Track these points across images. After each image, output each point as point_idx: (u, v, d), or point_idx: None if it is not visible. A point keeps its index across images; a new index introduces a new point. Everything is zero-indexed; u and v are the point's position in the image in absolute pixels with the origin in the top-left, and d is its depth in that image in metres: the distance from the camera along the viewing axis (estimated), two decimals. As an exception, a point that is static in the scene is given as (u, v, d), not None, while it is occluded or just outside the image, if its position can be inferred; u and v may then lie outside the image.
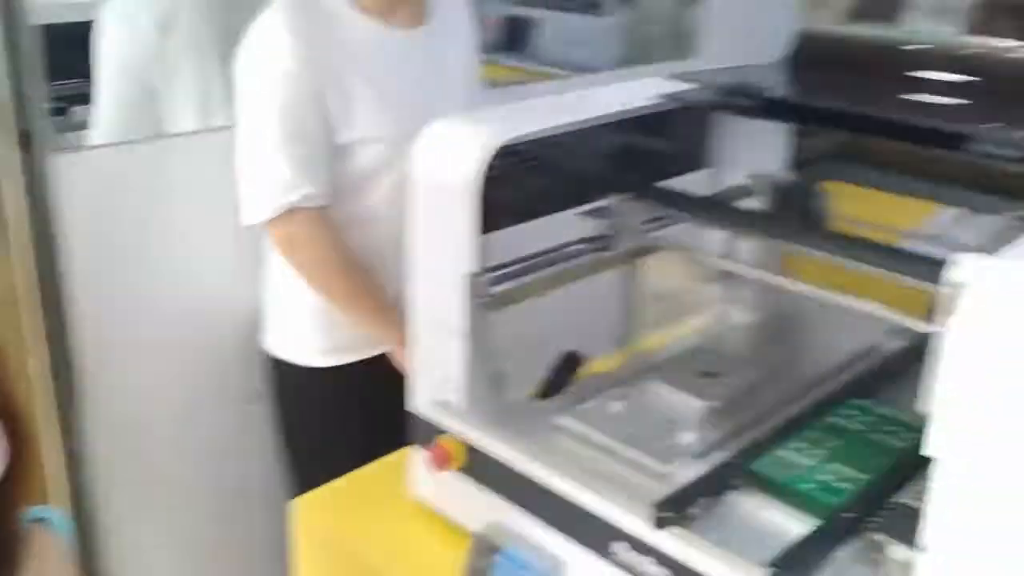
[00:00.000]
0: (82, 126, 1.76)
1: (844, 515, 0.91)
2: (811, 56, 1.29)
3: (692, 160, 1.44)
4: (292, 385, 1.68)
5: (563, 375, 1.36)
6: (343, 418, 1.65)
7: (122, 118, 1.77)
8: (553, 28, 3.04)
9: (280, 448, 1.74)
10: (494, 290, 1.09)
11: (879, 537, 0.89)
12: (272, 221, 1.47)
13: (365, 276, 1.55)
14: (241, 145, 1.48)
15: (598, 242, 1.20)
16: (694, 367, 1.18)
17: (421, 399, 1.17)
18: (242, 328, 1.74)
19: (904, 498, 0.93)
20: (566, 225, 1.23)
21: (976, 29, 1.36)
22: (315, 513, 1.25)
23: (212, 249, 1.71)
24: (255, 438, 1.82)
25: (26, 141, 1.44)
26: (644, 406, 1.12)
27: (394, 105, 1.51)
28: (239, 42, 1.48)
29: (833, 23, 1.31)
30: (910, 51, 1.25)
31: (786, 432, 1.05)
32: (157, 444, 1.73)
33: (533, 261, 1.16)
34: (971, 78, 1.15)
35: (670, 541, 0.92)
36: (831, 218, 1.30)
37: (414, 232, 1.10)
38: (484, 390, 1.13)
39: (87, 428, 1.61)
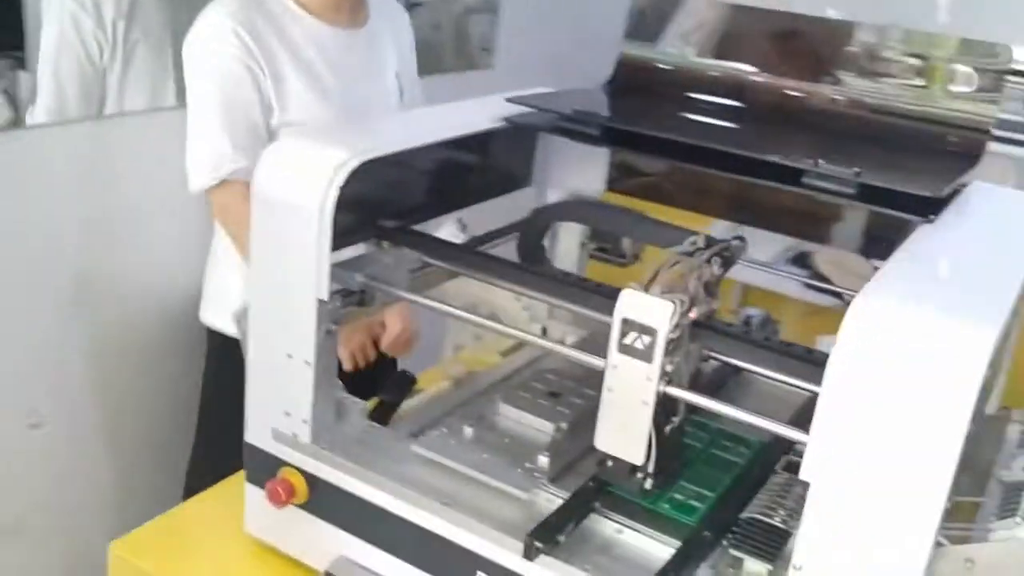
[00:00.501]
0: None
1: (703, 534, 0.95)
2: (633, 81, 1.34)
3: (515, 180, 1.46)
4: (225, 356, 1.66)
5: (396, 395, 1.33)
6: None
7: (67, 96, 1.74)
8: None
9: (203, 425, 1.81)
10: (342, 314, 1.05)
11: (736, 553, 0.94)
12: (211, 190, 1.59)
13: None
14: (189, 121, 1.59)
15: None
16: (536, 388, 1.19)
17: (258, 431, 1.10)
18: (186, 304, 1.84)
19: (753, 512, 0.98)
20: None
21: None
22: (136, 556, 1.14)
23: (162, 225, 1.86)
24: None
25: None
26: (494, 430, 1.11)
27: (327, 94, 1.62)
28: (188, 30, 1.60)
29: (654, 50, 1.36)
30: (721, 78, 1.32)
31: (635, 452, 1.08)
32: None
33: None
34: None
35: (541, 571, 0.92)
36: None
37: (256, 254, 1.04)
38: (328, 420, 1.08)
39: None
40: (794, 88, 1.26)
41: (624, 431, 0.86)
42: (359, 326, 1.63)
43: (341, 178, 0.97)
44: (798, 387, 0.89)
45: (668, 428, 0.91)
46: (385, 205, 1.17)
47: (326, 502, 1.06)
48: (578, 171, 1.45)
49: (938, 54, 1.18)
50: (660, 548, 0.95)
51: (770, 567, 0.92)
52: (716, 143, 1.09)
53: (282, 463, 1.08)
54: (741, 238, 1.05)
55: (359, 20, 1.72)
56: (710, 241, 1.02)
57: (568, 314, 1.45)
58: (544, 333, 1.46)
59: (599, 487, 1.00)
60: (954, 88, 1.17)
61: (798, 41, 1.31)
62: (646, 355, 0.84)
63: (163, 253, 1.91)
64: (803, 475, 0.77)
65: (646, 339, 0.83)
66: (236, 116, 1.57)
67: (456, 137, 1.15)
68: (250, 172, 1.54)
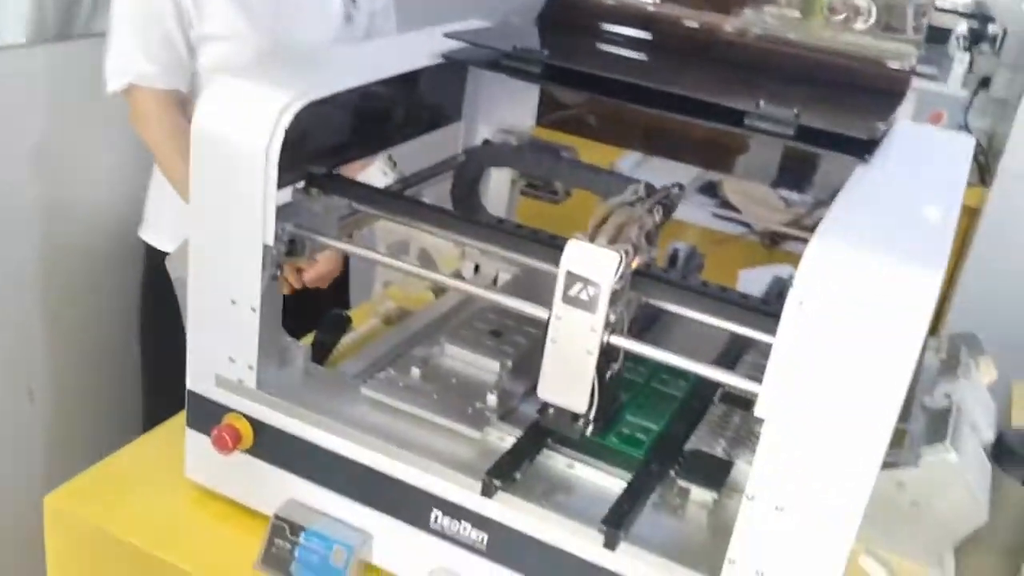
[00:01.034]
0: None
1: (651, 466, 0.98)
2: (567, 16, 1.33)
3: (444, 115, 1.44)
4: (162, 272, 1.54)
5: (332, 335, 1.32)
6: None
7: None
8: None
9: (143, 348, 1.81)
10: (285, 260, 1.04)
11: (683, 483, 0.98)
12: (125, 95, 1.56)
13: None
14: (108, 27, 1.56)
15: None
16: (478, 327, 1.20)
17: (201, 377, 1.08)
18: (125, 224, 1.80)
19: (696, 444, 1.03)
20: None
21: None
22: (74, 506, 1.12)
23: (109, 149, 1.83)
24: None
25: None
26: (440, 371, 1.12)
27: (251, 9, 1.56)
28: None
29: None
30: (655, 15, 1.32)
31: (580, 388, 1.10)
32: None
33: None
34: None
35: (499, 508, 0.94)
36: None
37: (197, 198, 1.01)
38: (273, 365, 1.07)
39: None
40: (727, 24, 1.28)
41: (568, 381, 0.87)
42: None
43: (286, 120, 0.95)
44: (741, 334, 0.91)
45: (608, 375, 0.92)
46: (315, 146, 1.15)
47: (274, 447, 1.06)
48: (508, 106, 1.45)
49: (862, -8, 1.21)
50: (611, 481, 0.98)
51: (715, 495, 0.97)
52: (652, 82, 1.10)
53: (227, 409, 1.07)
54: (680, 186, 1.07)
55: None
56: (651, 190, 1.03)
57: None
58: (477, 270, 1.47)
59: (550, 424, 1.02)
60: (877, 25, 1.20)
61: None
62: (590, 306, 0.84)
63: (111, 177, 1.87)
64: (758, 412, 0.81)
65: (591, 290, 0.83)
66: (148, 23, 1.54)
67: (398, 75, 1.13)
68: (152, 78, 1.56)
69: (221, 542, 1.08)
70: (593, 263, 0.84)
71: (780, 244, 2.22)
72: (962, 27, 2.66)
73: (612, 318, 0.87)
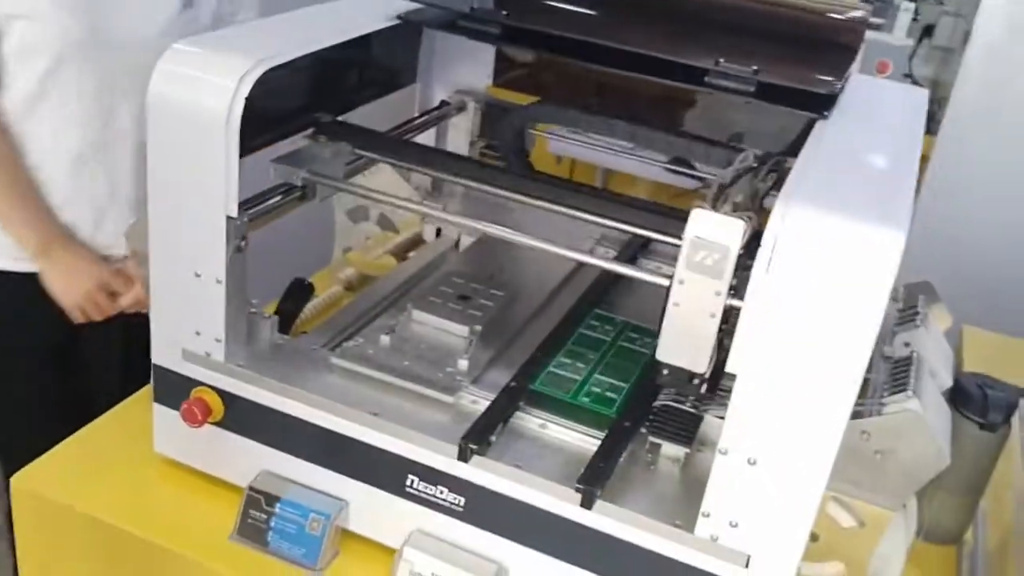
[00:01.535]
0: None
1: (623, 424, 1.00)
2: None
3: (400, 78, 1.43)
4: None
5: (295, 304, 1.31)
6: (33, 330, 1.50)
7: None
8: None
9: None
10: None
11: (654, 439, 0.99)
12: None
13: (17, 175, 1.40)
14: None
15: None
16: (445, 292, 1.20)
17: (166, 351, 1.07)
18: None
19: (665, 400, 1.04)
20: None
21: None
22: (43, 487, 1.11)
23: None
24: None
25: None
26: (409, 337, 1.12)
27: None
28: None
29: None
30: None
31: (549, 349, 1.11)
32: None
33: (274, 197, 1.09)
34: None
35: (475, 471, 0.95)
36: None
37: (157, 170, 0.99)
38: (240, 337, 1.06)
39: None
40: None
41: (689, 343, 0.87)
42: (85, 271, 1.44)
43: (246, 88, 0.93)
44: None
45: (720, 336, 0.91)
46: (272, 114, 1.13)
47: (245, 419, 1.06)
48: (464, 67, 1.44)
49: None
50: (583, 440, 1.00)
51: (687, 450, 0.99)
52: (610, 40, 1.10)
53: (195, 383, 1.06)
54: (785, 153, 1.09)
55: None
56: (763, 158, 1.06)
57: (463, 211, 1.45)
58: (438, 234, 1.47)
59: (522, 386, 1.03)
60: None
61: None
62: (715, 271, 0.84)
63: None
64: (729, 368, 0.82)
65: (716, 256, 0.84)
66: None
67: (354, 38, 1.11)
68: None
69: (195, 516, 1.08)
70: (720, 231, 0.84)
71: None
72: (907, -25, 2.69)
73: (733, 282, 0.88)
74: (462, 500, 0.97)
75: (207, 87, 0.94)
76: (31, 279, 1.43)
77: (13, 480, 1.11)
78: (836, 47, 1.16)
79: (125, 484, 1.11)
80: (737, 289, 0.84)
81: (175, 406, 1.07)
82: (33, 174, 1.41)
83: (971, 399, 1.09)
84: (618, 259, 1.37)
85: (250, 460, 1.06)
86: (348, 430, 1.00)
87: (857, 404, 0.97)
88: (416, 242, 1.52)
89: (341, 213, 1.51)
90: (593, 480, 0.91)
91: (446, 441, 0.96)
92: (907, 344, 1.06)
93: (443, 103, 1.44)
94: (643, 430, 1.00)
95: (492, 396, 1.02)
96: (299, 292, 1.32)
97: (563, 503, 0.93)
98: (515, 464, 0.95)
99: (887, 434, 0.94)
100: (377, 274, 1.47)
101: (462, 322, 1.13)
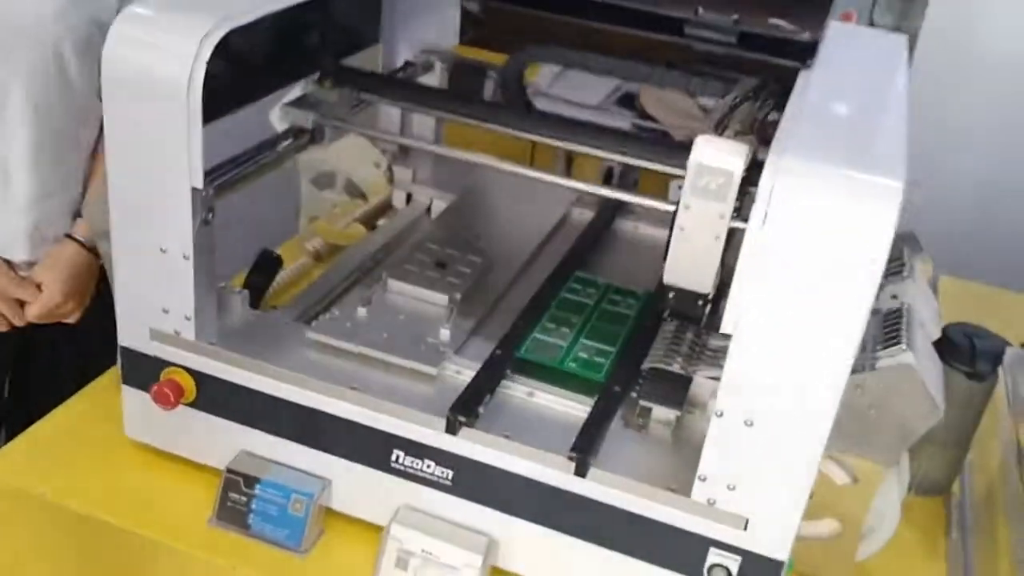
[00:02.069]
0: None
1: (613, 389, 0.97)
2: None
3: (363, 38, 1.37)
4: None
5: (265, 277, 1.27)
6: None
7: None
8: None
9: None
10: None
11: (644, 403, 0.97)
12: None
13: None
14: None
15: (303, 135, 1.11)
16: (421, 259, 1.16)
17: (133, 331, 1.02)
18: None
19: (653, 363, 1.02)
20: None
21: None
22: (8, 477, 1.06)
23: None
24: None
25: None
26: (387, 308, 1.09)
27: None
28: None
29: None
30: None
31: (532, 315, 1.08)
32: None
33: (243, 163, 1.05)
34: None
35: (464, 443, 0.92)
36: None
37: (114, 141, 0.93)
38: (210, 313, 1.02)
39: None
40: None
41: (695, 265, 0.88)
42: None
43: (207, 52, 0.88)
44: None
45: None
46: (233, 78, 1.08)
47: (219, 399, 1.02)
48: (429, 25, 1.39)
49: None
50: (572, 406, 0.97)
51: (678, 412, 0.96)
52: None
53: (165, 363, 1.02)
54: (777, 79, 1.09)
55: None
56: (759, 86, 1.07)
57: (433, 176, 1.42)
58: (409, 199, 1.42)
59: (507, 355, 1.00)
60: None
61: None
62: (720, 195, 0.84)
63: None
64: (724, 329, 0.80)
65: (719, 180, 0.84)
66: None
67: (316, -3, 1.06)
68: None
69: (171, 501, 1.04)
70: (723, 156, 0.84)
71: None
72: (868, -78, 2.66)
73: (736, 205, 0.87)
74: (450, 473, 0.95)
75: (165, 51, 0.88)
76: None
77: (-22, 471, 1.06)
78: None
79: (97, 471, 1.07)
80: (739, 211, 0.84)
81: (145, 388, 1.02)
82: None
83: (959, 350, 1.08)
84: (598, 217, 1.35)
85: (227, 441, 1.03)
86: (328, 407, 0.97)
87: (849, 359, 0.96)
88: (384, 209, 1.47)
89: (306, 181, 1.47)
90: (586, 448, 0.89)
91: (432, 414, 0.93)
92: (895, 296, 1.04)
93: (407, 64, 1.39)
94: (633, 394, 0.98)
95: (476, 366, 0.99)
96: (267, 264, 1.27)
97: (556, 472, 0.90)
98: (504, 434, 0.92)
99: (881, 388, 0.92)
100: (346, 243, 1.43)
101: (441, 290, 1.10)
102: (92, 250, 1.37)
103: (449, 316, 1.06)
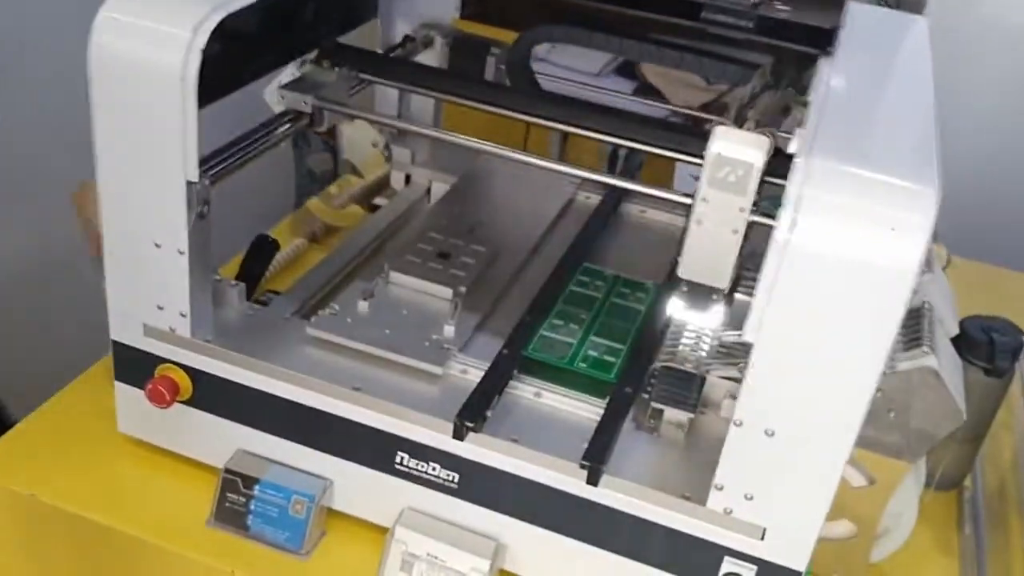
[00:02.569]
0: None
1: (624, 390, 0.94)
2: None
3: (359, 14, 1.32)
4: None
5: (261, 264, 1.23)
6: None
7: None
8: None
9: None
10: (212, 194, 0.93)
11: (656, 405, 0.94)
12: None
13: None
14: None
15: (302, 119, 1.06)
16: (424, 250, 1.12)
17: (125, 327, 0.99)
18: None
19: (664, 361, 0.99)
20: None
21: None
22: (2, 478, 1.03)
23: None
24: None
25: None
26: (389, 301, 1.05)
27: None
28: None
29: None
30: None
31: (540, 310, 1.05)
32: None
33: (239, 149, 1.00)
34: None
35: (470, 447, 0.89)
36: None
37: (103, 131, 0.89)
38: (206, 308, 0.98)
39: None
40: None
41: (712, 259, 0.84)
42: None
43: (202, 39, 0.83)
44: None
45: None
46: (228, 64, 1.03)
47: (216, 396, 0.98)
48: (427, -1, 1.34)
49: None
50: (582, 407, 0.94)
51: (691, 415, 0.93)
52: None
53: (159, 360, 0.98)
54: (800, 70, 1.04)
55: None
56: (777, 70, 1.01)
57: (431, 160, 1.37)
58: (408, 180, 1.38)
59: (514, 354, 0.97)
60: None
61: None
62: (739, 188, 0.80)
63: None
64: (746, 336, 0.76)
65: (739, 172, 0.80)
66: None
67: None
68: None
69: (167, 500, 1.01)
70: (744, 148, 0.79)
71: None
72: None
73: (756, 198, 0.83)
74: (456, 477, 0.92)
75: (157, 39, 0.83)
76: None
77: (-35, 469, 1.03)
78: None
79: (90, 469, 1.03)
80: (757, 204, 0.81)
81: (139, 384, 0.99)
82: None
83: (978, 345, 1.05)
84: (604, 203, 1.31)
85: (224, 439, 0.99)
86: (329, 407, 0.94)
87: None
88: (382, 186, 1.43)
89: (302, 166, 1.42)
90: (599, 456, 0.86)
91: (438, 417, 0.89)
92: (915, 291, 1.01)
93: (407, 39, 1.34)
94: (644, 395, 0.95)
95: (482, 365, 0.95)
96: (264, 250, 1.24)
97: (565, 477, 0.87)
98: (511, 438, 0.89)
99: (902, 391, 0.89)
100: (344, 225, 1.39)
101: (445, 283, 1.06)
102: None
103: (454, 312, 1.02)
